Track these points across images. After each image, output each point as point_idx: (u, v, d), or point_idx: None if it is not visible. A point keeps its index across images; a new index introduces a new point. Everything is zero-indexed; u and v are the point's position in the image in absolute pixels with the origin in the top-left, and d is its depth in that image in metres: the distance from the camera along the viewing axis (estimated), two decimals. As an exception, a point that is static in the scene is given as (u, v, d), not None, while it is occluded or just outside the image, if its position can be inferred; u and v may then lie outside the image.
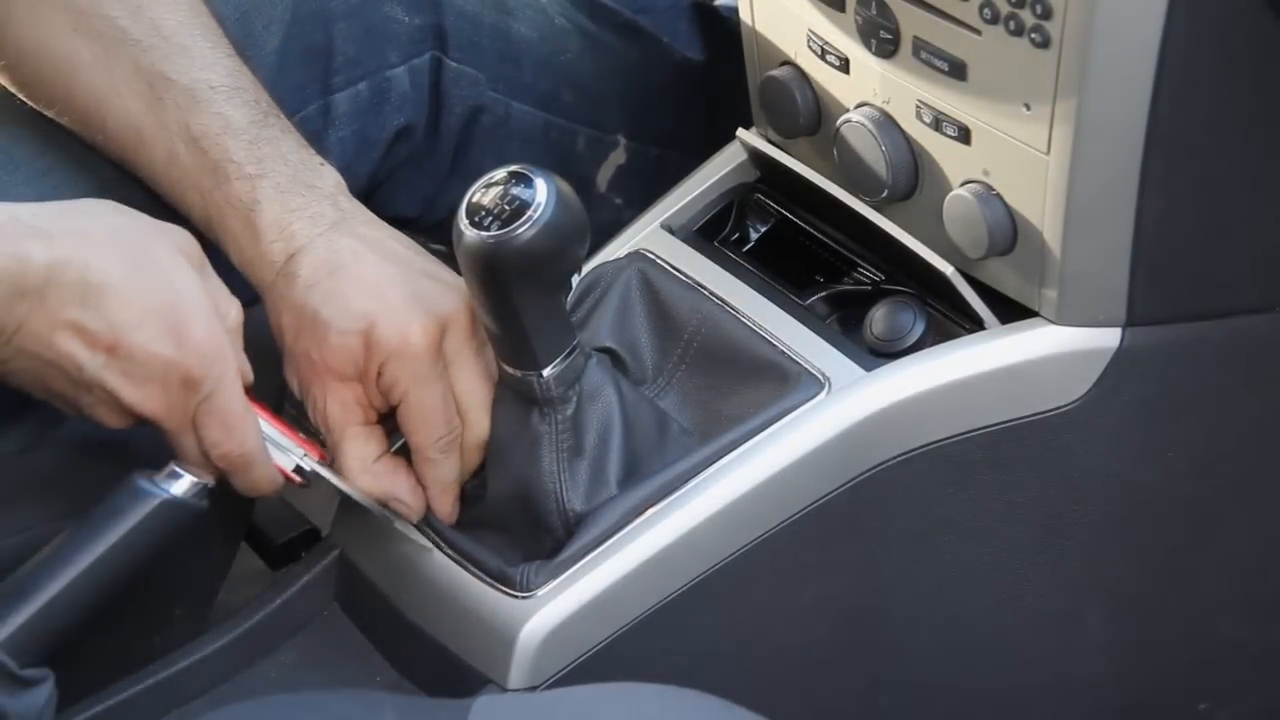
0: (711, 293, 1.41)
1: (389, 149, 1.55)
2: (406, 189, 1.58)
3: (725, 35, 1.64)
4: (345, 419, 1.33)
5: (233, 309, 1.28)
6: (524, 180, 1.25)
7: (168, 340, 1.23)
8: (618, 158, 1.64)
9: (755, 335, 1.38)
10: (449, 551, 1.34)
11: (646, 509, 1.31)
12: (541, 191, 1.24)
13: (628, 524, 1.31)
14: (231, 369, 1.27)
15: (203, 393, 1.26)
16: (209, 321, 1.25)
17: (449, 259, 1.31)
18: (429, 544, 1.35)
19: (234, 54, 1.38)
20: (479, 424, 1.34)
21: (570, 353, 1.30)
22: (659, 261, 1.44)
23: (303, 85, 1.51)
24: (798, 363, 1.36)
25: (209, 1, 1.41)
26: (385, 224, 1.37)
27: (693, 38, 1.68)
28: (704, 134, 1.56)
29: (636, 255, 1.44)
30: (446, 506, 1.35)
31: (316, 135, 1.50)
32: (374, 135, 1.54)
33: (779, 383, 1.35)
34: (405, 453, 1.36)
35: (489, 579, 1.31)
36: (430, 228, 1.60)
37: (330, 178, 1.37)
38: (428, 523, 1.36)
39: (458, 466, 1.35)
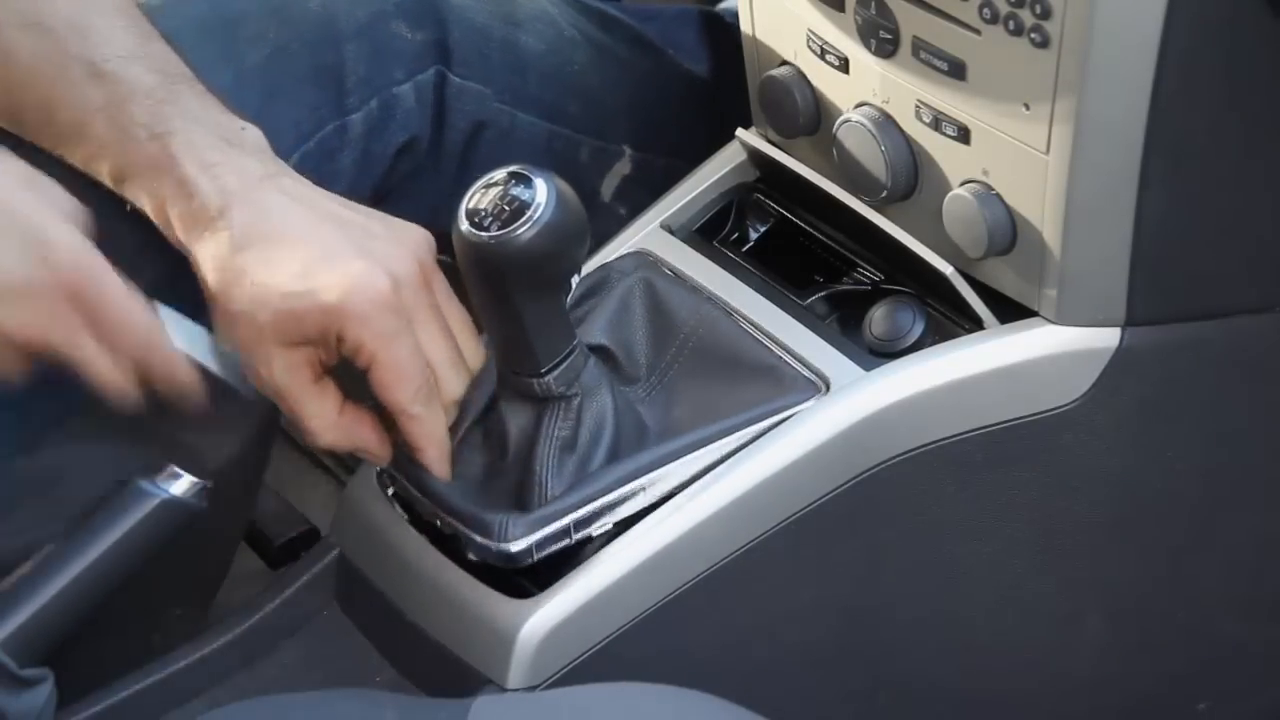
0: (711, 293, 1.41)
1: (393, 164, 1.55)
2: (410, 203, 1.58)
3: (730, 42, 1.64)
4: (297, 380, 1.29)
5: (81, 214, 1.24)
6: (524, 180, 1.25)
7: (30, 260, 1.20)
8: (622, 168, 1.64)
9: (754, 335, 1.38)
10: (427, 503, 1.33)
11: (630, 480, 1.31)
12: (541, 192, 1.24)
13: (609, 492, 1.31)
14: (102, 265, 1.22)
15: (88, 300, 1.22)
16: (64, 230, 1.22)
17: (455, 270, 1.31)
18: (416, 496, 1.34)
19: (138, 28, 1.37)
20: (449, 383, 1.31)
21: (570, 353, 1.30)
22: (662, 262, 1.44)
23: (317, 106, 1.51)
24: (797, 363, 1.36)
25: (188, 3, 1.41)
26: (314, 185, 1.35)
27: (698, 46, 1.68)
28: (709, 143, 1.56)
29: (643, 259, 1.44)
30: (445, 465, 1.33)
31: (331, 155, 1.49)
32: (378, 151, 1.54)
33: (778, 382, 1.35)
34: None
35: (486, 580, 1.32)
36: (435, 239, 1.60)
37: (254, 136, 1.35)
38: (402, 472, 1.35)
39: (442, 418, 1.32)
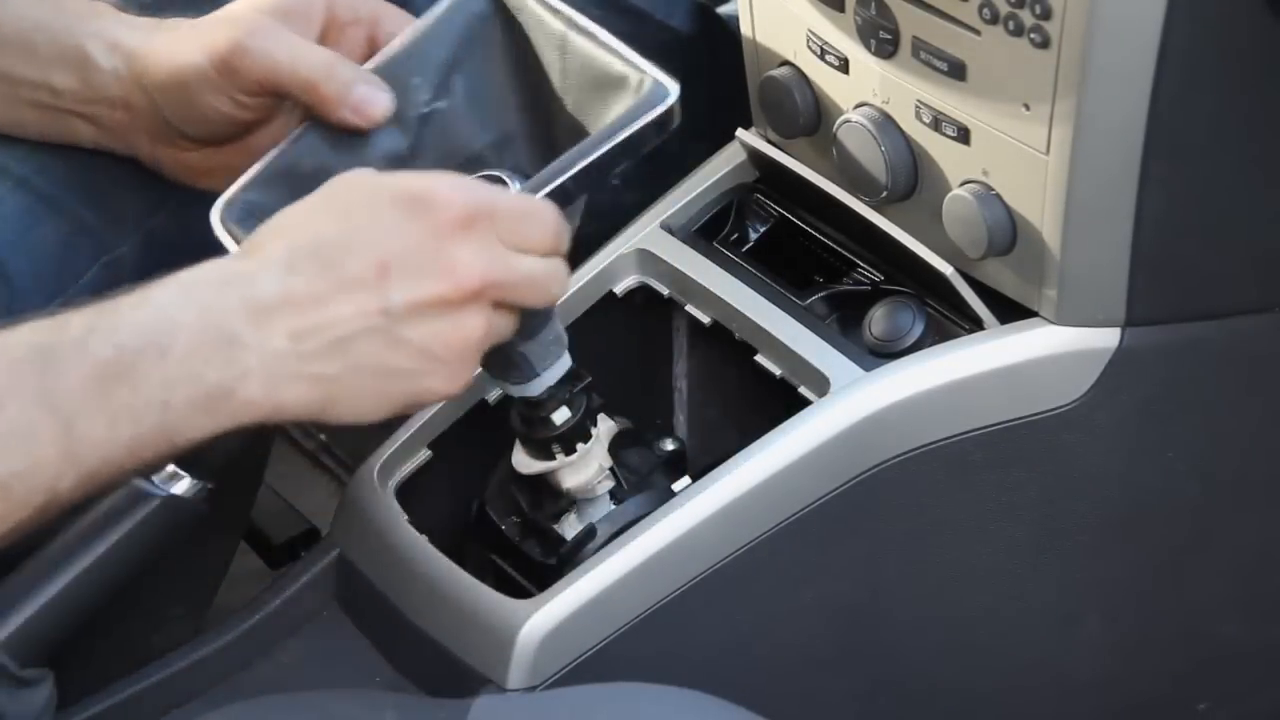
0: (711, 293, 1.41)
1: None
2: None
3: (723, 31, 1.64)
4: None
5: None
6: (498, 184, 1.24)
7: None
8: None
9: (757, 335, 1.38)
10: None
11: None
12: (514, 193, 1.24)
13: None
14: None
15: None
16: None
17: None
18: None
19: None
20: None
21: (561, 360, 1.30)
22: (662, 262, 1.43)
23: None
24: (797, 362, 1.36)
25: None
26: None
27: (686, 25, 1.67)
28: (702, 120, 1.54)
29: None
30: None
31: None
32: None
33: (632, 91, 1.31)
34: None
35: (485, 580, 1.32)
36: None
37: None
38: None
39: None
